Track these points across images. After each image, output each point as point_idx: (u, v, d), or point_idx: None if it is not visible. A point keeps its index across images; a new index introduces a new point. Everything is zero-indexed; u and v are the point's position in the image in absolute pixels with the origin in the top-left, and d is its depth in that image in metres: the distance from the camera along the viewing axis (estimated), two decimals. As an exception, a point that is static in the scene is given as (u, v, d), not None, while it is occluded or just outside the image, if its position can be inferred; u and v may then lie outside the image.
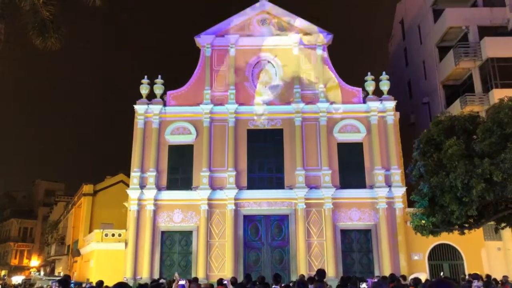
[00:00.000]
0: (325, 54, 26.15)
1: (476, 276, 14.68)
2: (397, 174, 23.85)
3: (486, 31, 26.76)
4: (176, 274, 17.41)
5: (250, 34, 26.55)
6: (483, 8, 28.10)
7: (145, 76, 25.89)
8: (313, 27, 26.42)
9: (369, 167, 24.23)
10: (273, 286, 10.20)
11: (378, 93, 25.45)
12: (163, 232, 24.05)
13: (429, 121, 27.09)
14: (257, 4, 26.99)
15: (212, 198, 23.89)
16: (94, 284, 15.75)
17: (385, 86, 25.39)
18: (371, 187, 23.85)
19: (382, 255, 22.88)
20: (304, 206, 23.53)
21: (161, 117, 25.27)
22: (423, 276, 18.16)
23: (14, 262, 65.03)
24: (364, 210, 23.78)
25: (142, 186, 24.21)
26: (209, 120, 25.05)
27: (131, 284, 20.30)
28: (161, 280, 16.96)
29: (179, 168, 24.90)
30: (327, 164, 24.06)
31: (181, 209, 24.10)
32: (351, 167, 24.50)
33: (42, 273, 48.07)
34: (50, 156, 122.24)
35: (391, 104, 24.89)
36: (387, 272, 20.26)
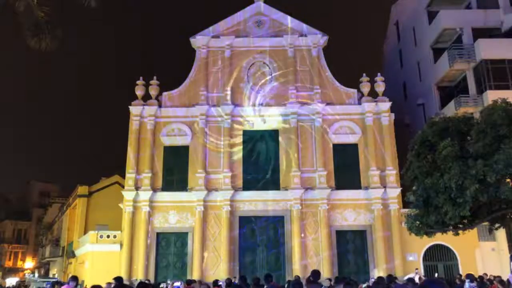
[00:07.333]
0: (321, 56, 26.23)
1: (471, 277, 14.78)
2: (392, 175, 23.95)
3: (480, 33, 26.90)
4: (169, 282, 17.23)
5: (245, 35, 26.58)
6: (477, 10, 28.23)
7: (141, 77, 25.88)
8: (309, 29, 26.50)
9: (364, 168, 24.31)
10: (265, 287, 10.24)
11: (373, 94, 25.54)
12: (158, 234, 24.02)
13: (424, 122, 27.17)
14: (253, 6, 27.06)
15: (207, 200, 23.88)
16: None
17: (380, 87, 25.51)
18: (366, 188, 23.92)
19: (377, 256, 22.95)
20: (300, 207, 23.56)
21: (157, 118, 25.23)
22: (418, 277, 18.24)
23: (8, 263, 64.64)
24: (359, 211, 23.85)
25: (137, 187, 24.16)
26: (204, 121, 25.04)
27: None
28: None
29: (174, 169, 24.88)
30: (322, 165, 24.11)
31: (177, 210, 24.07)
32: (346, 168, 24.60)
33: (36, 275, 47.80)
34: (44, 157, 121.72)
35: (386, 105, 24.99)
36: (382, 273, 20.32)
